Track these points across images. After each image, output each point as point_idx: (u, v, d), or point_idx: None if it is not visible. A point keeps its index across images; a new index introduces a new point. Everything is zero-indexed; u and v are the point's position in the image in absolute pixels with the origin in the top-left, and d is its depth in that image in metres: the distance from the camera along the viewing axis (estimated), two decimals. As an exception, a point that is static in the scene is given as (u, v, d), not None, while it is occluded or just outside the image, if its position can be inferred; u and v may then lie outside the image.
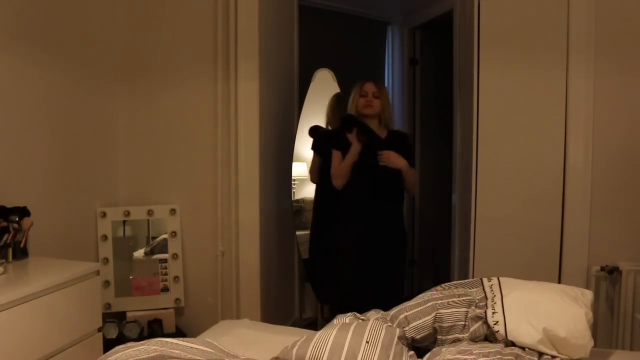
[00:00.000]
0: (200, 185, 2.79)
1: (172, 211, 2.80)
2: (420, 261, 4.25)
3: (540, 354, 1.56)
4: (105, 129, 2.77)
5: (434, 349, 1.63)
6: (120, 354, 1.37)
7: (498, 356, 1.48)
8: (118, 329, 2.58)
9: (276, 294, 3.05)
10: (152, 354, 1.36)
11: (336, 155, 2.68)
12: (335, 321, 1.72)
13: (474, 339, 1.64)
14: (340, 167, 2.66)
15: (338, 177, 2.67)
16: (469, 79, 2.67)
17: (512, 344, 1.59)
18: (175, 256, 2.78)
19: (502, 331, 1.59)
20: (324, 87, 4.05)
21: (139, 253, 2.82)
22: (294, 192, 3.66)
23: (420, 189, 4.16)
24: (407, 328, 1.68)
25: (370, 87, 2.70)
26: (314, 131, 3.35)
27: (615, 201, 2.42)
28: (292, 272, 3.35)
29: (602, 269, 2.40)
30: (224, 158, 2.74)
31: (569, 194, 2.46)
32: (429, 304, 1.72)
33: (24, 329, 1.74)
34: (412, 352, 1.59)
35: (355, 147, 2.63)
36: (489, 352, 1.49)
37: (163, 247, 2.80)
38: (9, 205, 2.11)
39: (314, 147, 3.26)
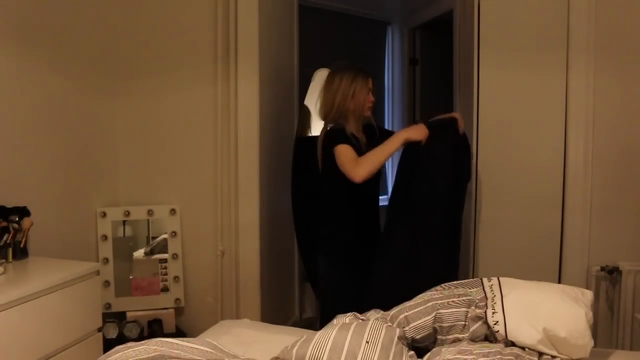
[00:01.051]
0: (200, 185, 2.79)
1: (172, 211, 2.80)
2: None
3: (540, 354, 1.56)
4: (105, 129, 2.77)
5: (434, 349, 1.62)
6: (120, 354, 1.37)
7: (498, 356, 1.48)
8: (118, 329, 2.58)
9: (276, 294, 3.05)
10: (152, 354, 1.36)
11: (346, 148, 2.18)
12: (335, 321, 1.72)
13: (474, 339, 1.64)
14: (376, 152, 2.14)
15: (366, 165, 2.10)
16: (469, 79, 2.67)
17: (512, 344, 1.59)
18: (175, 256, 2.78)
19: (502, 331, 1.59)
20: (324, 87, 4.05)
21: (139, 253, 2.82)
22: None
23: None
24: (407, 328, 1.68)
25: (372, 85, 2.37)
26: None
27: (615, 201, 2.42)
28: (292, 272, 3.35)
29: (602, 269, 2.40)
30: (224, 158, 2.74)
31: (569, 194, 2.46)
32: (429, 304, 1.72)
33: (24, 329, 1.74)
34: (412, 352, 1.59)
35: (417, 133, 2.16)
36: (489, 352, 1.49)
37: (163, 247, 2.80)
38: (9, 205, 2.12)
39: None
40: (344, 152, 2.18)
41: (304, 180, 3.25)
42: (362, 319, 1.71)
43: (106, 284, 2.68)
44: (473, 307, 1.69)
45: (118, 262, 2.73)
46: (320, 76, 3.92)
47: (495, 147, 2.60)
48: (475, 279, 1.84)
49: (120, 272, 2.73)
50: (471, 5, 2.62)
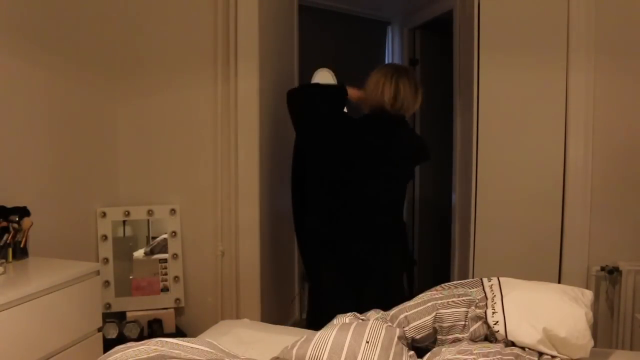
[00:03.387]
0: (200, 185, 2.79)
1: (172, 211, 2.80)
2: (420, 261, 4.25)
3: (540, 354, 1.56)
4: (105, 129, 2.77)
5: (434, 349, 1.63)
6: (120, 354, 1.37)
7: (498, 356, 1.48)
8: (118, 329, 2.58)
9: (276, 294, 3.05)
10: (152, 354, 1.36)
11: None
12: (335, 321, 1.72)
13: (474, 339, 1.64)
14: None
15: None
16: (469, 79, 2.67)
17: (512, 344, 1.59)
18: (175, 256, 2.78)
19: (502, 331, 1.59)
20: (323, 87, 4.05)
21: (139, 253, 2.82)
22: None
23: (420, 188, 4.17)
24: (407, 328, 1.68)
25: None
26: None
27: (615, 201, 2.42)
28: (292, 272, 3.35)
29: (602, 269, 2.40)
30: (224, 158, 2.74)
31: (569, 194, 2.46)
32: (429, 304, 1.72)
33: (24, 329, 1.74)
34: (412, 352, 1.59)
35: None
36: (489, 352, 1.49)
37: (163, 247, 2.80)
38: (9, 205, 2.11)
39: None
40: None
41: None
42: (362, 319, 1.71)
43: (106, 284, 2.68)
44: (473, 307, 1.69)
45: (118, 262, 2.73)
46: (320, 76, 3.92)
47: (495, 147, 2.60)
48: (475, 279, 1.84)
49: (120, 272, 2.73)
50: (471, 5, 2.62)
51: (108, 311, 2.67)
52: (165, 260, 2.78)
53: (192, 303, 2.84)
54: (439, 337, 1.69)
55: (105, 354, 1.40)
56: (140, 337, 2.55)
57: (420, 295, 1.80)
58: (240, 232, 2.74)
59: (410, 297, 1.83)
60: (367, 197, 2.34)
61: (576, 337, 1.54)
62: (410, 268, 2.53)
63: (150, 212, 2.79)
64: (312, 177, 2.44)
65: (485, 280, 1.80)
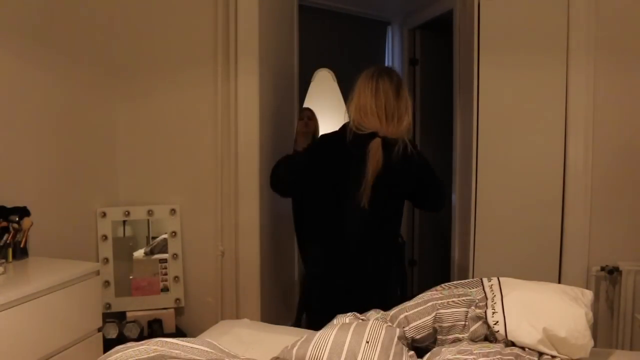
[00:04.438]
0: (200, 185, 2.79)
1: (172, 211, 2.80)
2: (420, 261, 4.25)
3: (540, 354, 1.56)
4: (105, 129, 2.77)
5: (434, 349, 1.63)
6: (120, 354, 1.37)
7: (498, 356, 1.48)
8: (118, 329, 2.58)
9: (276, 294, 3.05)
10: (152, 354, 1.36)
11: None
12: (335, 321, 1.72)
13: (474, 339, 1.65)
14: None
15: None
16: (469, 79, 2.67)
17: (512, 344, 1.59)
18: (175, 256, 2.78)
19: (502, 331, 1.59)
20: (323, 87, 4.06)
21: (139, 253, 2.82)
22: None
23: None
24: (407, 328, 1.68)
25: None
26: None
27: (615, 201, 2.42)
28: (292, 272, 3.35)
29: (602, 269, 2.40)
30: (224, 158, 2.74)
31: (569, 194, 2.46)
32: (429, 304, 1.72)
33: (24, 329, 1.74)
34: (412, 352, 1.59)
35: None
36: (488, 352, 1.50)
37: (163, 247, 2.80)
38: (9, 205, 2.12)
39: None
40: None
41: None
42: (362, 319, 1.71)
43: (106, 284, 2.68)
44: (473, 307, 1.69)
45: (118, 262, 2.73)
46: (320, 76, 3.92)
47: (495, 147, 2.60)
48: (475, 279, 1.85)
49: (120, 272, 2.73)
50: (471, 5, 2.62)
51: (108, 311, 2.67)
52: (165, 260, 2.78)
53: (192, 303, 2.84)
54: (439, 337, 1.69)
55: (105, 354, 1.41)
56: (140, 337, 2.55)
57: (420, 295, 1.80)
58: (240, 232, 2.74)
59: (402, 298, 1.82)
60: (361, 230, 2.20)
61: (576, 337, 1.54)
62: (404, 281, 2.45)
63: (150, 212, 2.79)
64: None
65: (485, 280, 1.80)
